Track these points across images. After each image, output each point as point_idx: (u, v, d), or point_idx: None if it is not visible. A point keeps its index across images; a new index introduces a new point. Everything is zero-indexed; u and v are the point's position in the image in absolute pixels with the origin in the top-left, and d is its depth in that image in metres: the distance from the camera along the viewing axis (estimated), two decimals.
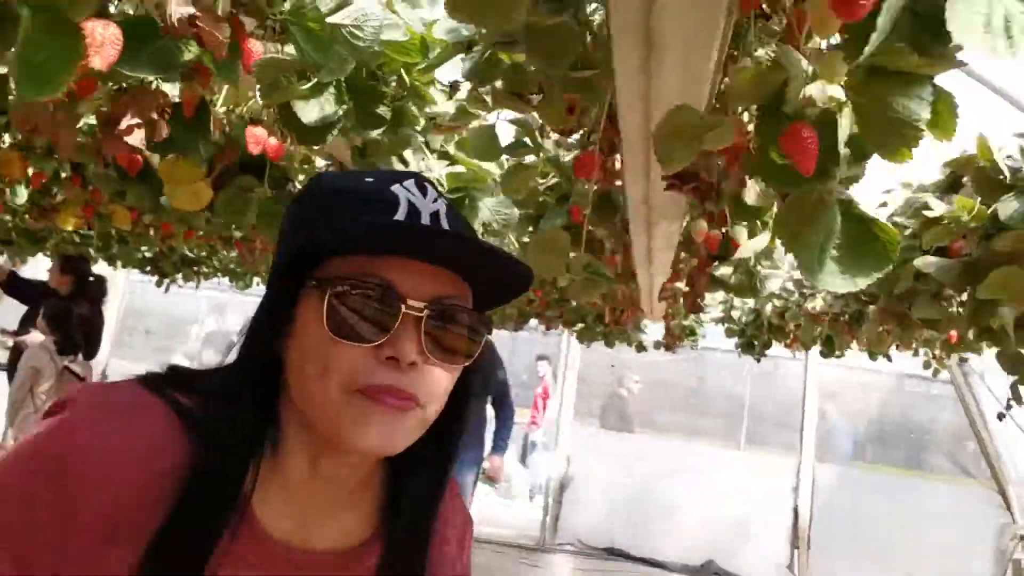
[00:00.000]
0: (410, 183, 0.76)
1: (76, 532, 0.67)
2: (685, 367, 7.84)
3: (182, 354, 8.72)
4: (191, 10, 0.89)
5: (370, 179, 0.77)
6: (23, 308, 5.32)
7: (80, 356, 4.89)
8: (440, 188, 0.78)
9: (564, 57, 1.05)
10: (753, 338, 4.96)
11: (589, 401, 7.92)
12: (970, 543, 6.25)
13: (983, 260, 1.67)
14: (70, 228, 2.83)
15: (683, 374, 8.18)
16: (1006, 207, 1.50)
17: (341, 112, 1.15)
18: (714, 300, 5.13)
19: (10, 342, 5.15)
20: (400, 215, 0.74)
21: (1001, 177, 1.53)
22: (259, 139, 1.33)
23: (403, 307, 0.71)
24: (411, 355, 0.71)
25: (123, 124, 0.94)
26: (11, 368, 4.92)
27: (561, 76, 1.13)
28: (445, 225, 0.76)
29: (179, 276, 5.58)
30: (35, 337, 4.78)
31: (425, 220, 0.74)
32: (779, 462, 7.03)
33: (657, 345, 5.75)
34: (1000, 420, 2.50)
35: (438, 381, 0.74)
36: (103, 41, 0.87)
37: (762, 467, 7.16)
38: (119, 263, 5.13)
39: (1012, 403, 2.17)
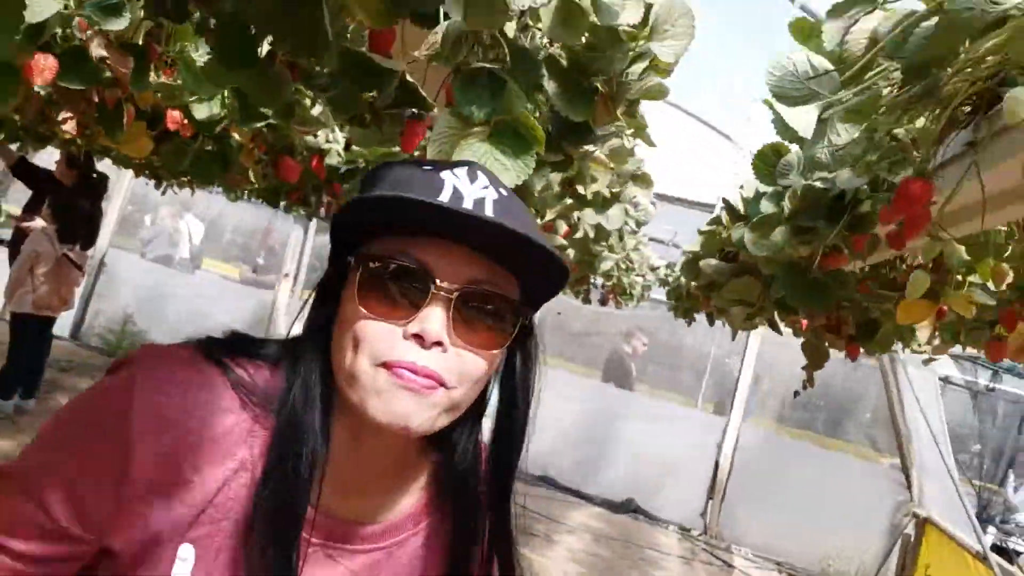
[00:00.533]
0: (462, 170, 0.76)
1: (129, 485, 0.70)
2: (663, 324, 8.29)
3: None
4: (103, 53, 1.38)
5: (427, 167, 0.77)
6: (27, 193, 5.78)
7: (78, 246, 5.44)
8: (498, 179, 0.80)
9: None
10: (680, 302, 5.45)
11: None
12: (869, 514, 6.84)
13: (738, 267, 2.17)
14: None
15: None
16: (736, 232, 2.00)
17: (224, 112, 1.64)
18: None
19: (14, 226, 5.68)
20: (442, 198, 0.73)
21: (738, 210, 2.02)
22: (176, 120, 1.83)
23: (433, 287, 0.72)
24: (436, 334, 0.71)
25: (60, 116, 1.43)
26: (14, 249, 5.48)
27: None
28: (488, 211, 0.74)
29: (174, 182, 6.06)
30: (38, 223, 5.33)
31: (467, 205, 0.73)
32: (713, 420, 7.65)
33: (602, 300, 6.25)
34: (795, 397, 2.97)
35: (468, 365, 0.74)
36: (43, 68, 1.37)
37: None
38: (120, 166, 5.60)
39: (800, 390, 2.66)
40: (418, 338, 0.71)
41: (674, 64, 1.10)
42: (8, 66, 1.25)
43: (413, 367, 0.71)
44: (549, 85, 1.19)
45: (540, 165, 1.36)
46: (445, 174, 0.76)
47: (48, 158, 5.86)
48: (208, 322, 7.60)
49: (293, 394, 0.76)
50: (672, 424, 7.75)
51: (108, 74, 1.46)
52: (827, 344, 2.54)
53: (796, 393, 2.64)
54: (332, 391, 0.77)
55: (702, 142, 7.59)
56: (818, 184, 1.31)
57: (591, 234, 2.17)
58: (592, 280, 6.11)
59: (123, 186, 7.88)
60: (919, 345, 2.17)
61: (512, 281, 0.78)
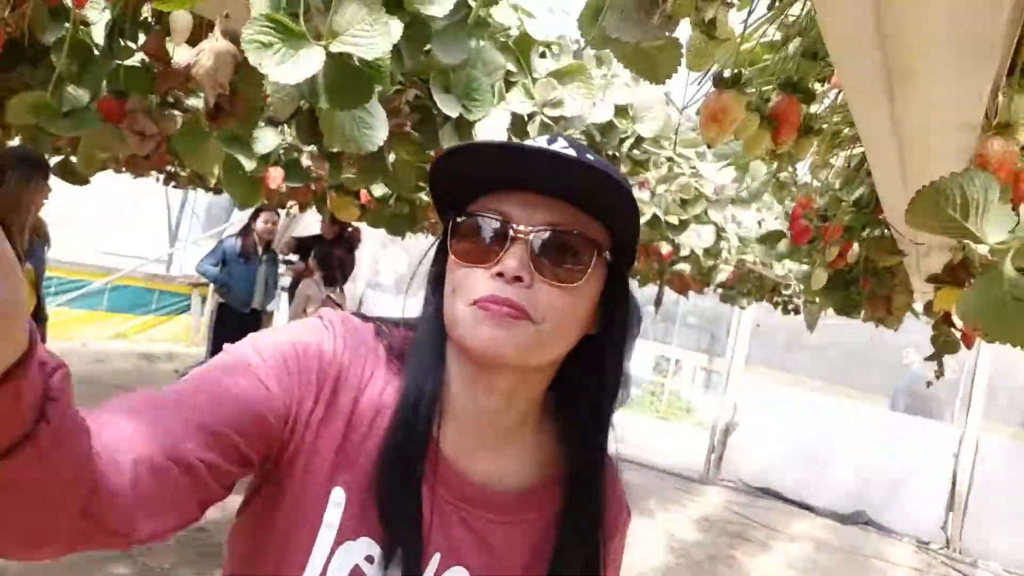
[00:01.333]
0: (543, 138, 0.81)
1: (326, 383, 0.79)
2: None
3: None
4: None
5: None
6: None
7: (339, 289, 6.63)
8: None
9: None
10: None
11: None
12: None
13: None
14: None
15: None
16: None
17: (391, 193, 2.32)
18: None
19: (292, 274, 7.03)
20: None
21: None
22: (365, 197, 2.56)
23: (511, 231, 0.77)
24: (515, 270, 0.76)
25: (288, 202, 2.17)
26: (291, 293, 6.80)
27: None
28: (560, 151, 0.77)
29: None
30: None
31: (540, 156, 0.77)
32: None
33: None
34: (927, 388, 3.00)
35: (550, 299, 0.77)
36: (274, 176, 2.13)
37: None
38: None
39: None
40: (501, 276, 0.76)
41: (652, 135, 1.57)
42: (253, 179, 2.00)
43: (494, 298, 0.75)
44: None
45: None
46: (529, 141, 0.82)
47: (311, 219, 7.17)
48: None
49: (416, 344, 0.84)
50: (899, 431, 7.46)
51: (313, 174, 2.18)
52: None
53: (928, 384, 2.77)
54: (446, 339, 0.83)
55: None
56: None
57: (698, 252, 2.57)
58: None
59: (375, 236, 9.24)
60: None
61: (595, 226, 0.80)
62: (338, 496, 0.78)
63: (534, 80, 1.45)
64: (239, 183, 1.68)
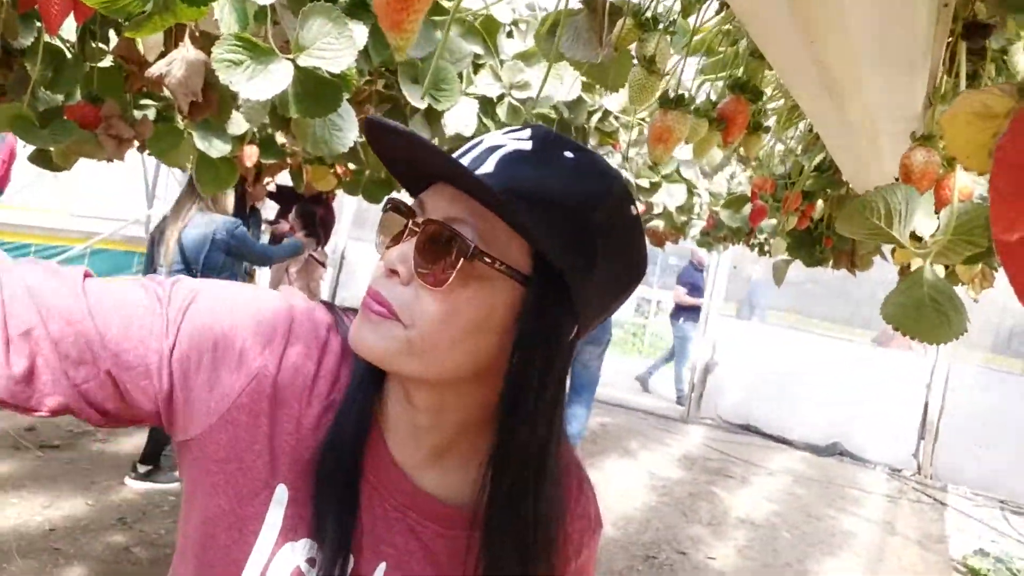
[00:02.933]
0: (509, 129, 0.76)
1: (259, 369, 0.74)
2: None
3: None
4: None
5: None
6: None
7: (320, 247, 6.65)
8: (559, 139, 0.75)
9: None
10: None
11: None
12: None
13: None
14: None
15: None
16: None
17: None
18: None
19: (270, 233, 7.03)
20: (462, 149, 0.75)
21: None
22: (343, 169, 2.58)
23: (410, 222, 0.71)
24: (391, 263, 0.71)
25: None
26: None
27: None
28: (491, 163, 0.71)
29: None
30: (284, 226, 6.60)
31: (477, 152, 0.73)
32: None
33: None
34: None
35: (422, 303, 0.69)
36: (250, 154, 2.15)
37: None
38: None
39: None
40: (387, 268, 0.72)
41: (619, 108, 1.61)
42: (229, 159, 2.03)
43: (370, 292, 0.71)
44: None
45: None
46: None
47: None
48: None
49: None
50: (873, 363, 7.70)
51: (288, 150, 2.20)
52: None
53: None
54: None
55: None
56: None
57: (671, 209, 2.63)
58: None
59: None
60: None
61: (505, 230, 0.70)
62: (281, 494, 0.74)
63: (501, 62, 1.48)
64: (212, 171, 1.72)
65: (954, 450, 7.08)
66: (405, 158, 0.74)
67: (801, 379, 7.69)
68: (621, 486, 5.68)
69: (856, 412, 7.47)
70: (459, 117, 1.29)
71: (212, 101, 1.40)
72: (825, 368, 7.69)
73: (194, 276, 1.76)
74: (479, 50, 1.50)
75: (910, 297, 0.77)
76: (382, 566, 0.77)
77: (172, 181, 9.60)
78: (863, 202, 0.74)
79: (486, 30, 1.53)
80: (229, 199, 4.16)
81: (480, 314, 0.71)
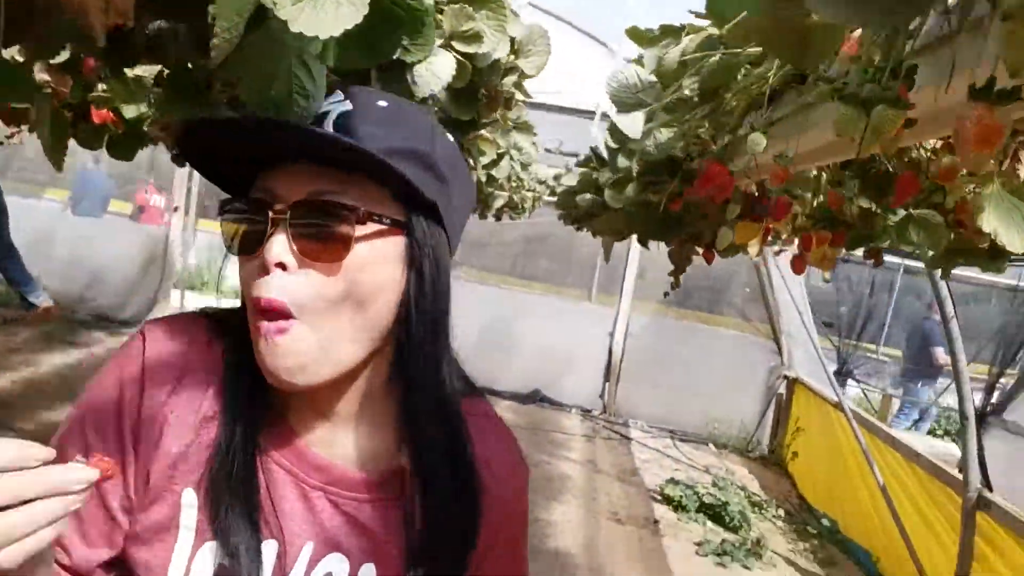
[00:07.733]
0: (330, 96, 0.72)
1: (139, 421, 0.74)
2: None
3: None
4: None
5: None
6: None
7: None
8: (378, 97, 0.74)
9: None
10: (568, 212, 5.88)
11: None
12: (748, 380, 7.71)
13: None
14: None
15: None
16: (603, 177, 2.35)
17: (151, 112, 1.86)
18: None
19: None
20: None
21: (603, 157, 2.37)
22: (102, 115, 2.02)
23: (271, 212, 0.68)
24: (276, 256, 0.67)
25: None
26: None
27: None
28: (328, 125, 0.69)
29: None
30: None
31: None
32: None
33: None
34: (665, 297, 3.45)
35: (317, 283, 0.68)
36: None
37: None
38: None
39: (668, 291, 3.16)
40: (266, 268, 0.68)
41: (537, 73, 1.43)
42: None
43: (259, 303, 0.68)
44: (441, 94, 1.49)
45: None
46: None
47: None
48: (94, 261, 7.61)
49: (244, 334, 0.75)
50: (570, 317, 8.38)
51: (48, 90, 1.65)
52: (689, 251, 3.00)
53: (665, 294, 3.10)
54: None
55: (579, 48, 7.86)
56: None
57: (483, 179, 2.50)
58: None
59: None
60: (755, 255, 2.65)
61: (372, 187, 0.70)
62: (189, 497, 0.74)
63: (440, 10, 1.21)
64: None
65: (632, 389, 8.00)
66: (241, 149, 0.71)
67: (507, 334, 8.08)
68: None
69: (554, 361, 8.07)
70: (436, 71, 1.01)
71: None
72: (528, 322, 8.16)
73: None
74: None
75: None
76: (308, 546, 0.77)
77: None
78: None
79: None
80: None
81: (377, 278, 0.72)
